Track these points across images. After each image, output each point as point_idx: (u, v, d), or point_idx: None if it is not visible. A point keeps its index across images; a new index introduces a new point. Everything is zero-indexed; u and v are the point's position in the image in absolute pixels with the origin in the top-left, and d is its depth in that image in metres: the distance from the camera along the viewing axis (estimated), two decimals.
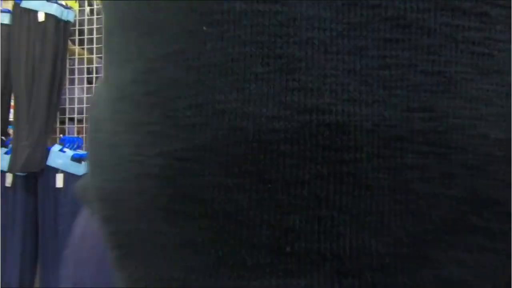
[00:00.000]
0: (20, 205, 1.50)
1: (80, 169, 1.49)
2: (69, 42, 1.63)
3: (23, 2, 1.50)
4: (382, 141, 0.12)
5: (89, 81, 1.70)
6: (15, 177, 1.49)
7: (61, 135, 1.64)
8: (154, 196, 0.15)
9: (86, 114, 1.65)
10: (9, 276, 1.48)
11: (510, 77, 0.14)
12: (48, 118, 1.52)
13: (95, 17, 1.67)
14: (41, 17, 1.50)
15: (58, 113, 1.60)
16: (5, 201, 1.49)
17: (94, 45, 1.65)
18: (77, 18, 1.67)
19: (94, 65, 1.68)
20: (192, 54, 0.14)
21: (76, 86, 1.66)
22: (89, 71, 1.69)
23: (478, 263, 0.14)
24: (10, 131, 1.58)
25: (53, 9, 1.53)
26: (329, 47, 0.13)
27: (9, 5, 1.58)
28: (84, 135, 1.65)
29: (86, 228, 0.23)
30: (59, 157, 1.51)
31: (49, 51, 1.51)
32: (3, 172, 1.49)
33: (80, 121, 1.67)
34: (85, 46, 1.68)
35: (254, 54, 0.13)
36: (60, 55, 1.55)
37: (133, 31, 0.16)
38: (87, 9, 1.70)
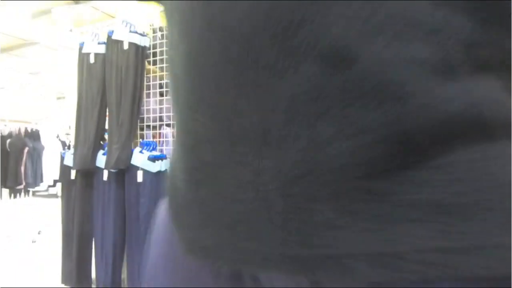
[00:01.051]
0: (113, 194, 1.90)
1: (154, 167, 1.85)
2: (146, 63, 2.00)
3: (113, 34, 1.89)
4: None
5: (161, 94, 2.05)
6: (109, 173, 1.89)
7: (140, 140, 2.01)
8: None
9: (159, 121, 2.01)
10: (107, 249, 1.89)
11: None
12: (131, 126, 1.89)
13: (165, 40, 2.03)
14: (125, 45, 1.88)
15: (138, 121, 1.97)
16: (102, 191, 1.90)
17: (165, 64, 2.01)
18: (151, 42, 2.03)
19: (165, 81, 2.03)
20: None
21: (151, 98, 2.03)
22: (161, 86, 2.04)
23: None
24: (106, 136, 1.98)
25: (134, 38, 1.91)
26: None
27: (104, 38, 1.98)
28: (158, 139, 2.02)
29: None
30: (139, 157, 1.87)
31: (131, 71, 1.89)
32: (101, 169, 1.90)
33: (154, 127, 2.03)
34: (158, 65, 2.04)
35: None
36: (139, 74, 1.92)
37: None
38: (159, 34, 2.06)
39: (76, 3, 5.71)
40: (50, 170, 3.80)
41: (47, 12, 5.12)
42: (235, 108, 0.21)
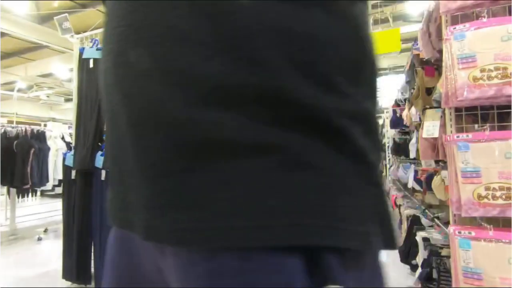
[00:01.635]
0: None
1: None
2: None
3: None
4: None
5: None
6: (107, 173, 2.00)
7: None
8: None
9: None
10: (104, 245, 1.99)
11: None
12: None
13: None
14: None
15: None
16: (100, 190, 2.03)
17: None
18: None
19: None
20: None
21: None
22: None
23: None
24: (104, 138, 2.10)
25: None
26: None
27: None
28: None
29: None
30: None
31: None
32: (100, 169, 2.04)
33: None
34: None
35: None
36: None
37: None
38: None
39: (82, 3, 5.87)
40: (55, 170, 3.92)
41: (53, 16, 5.27)
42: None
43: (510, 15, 1.40)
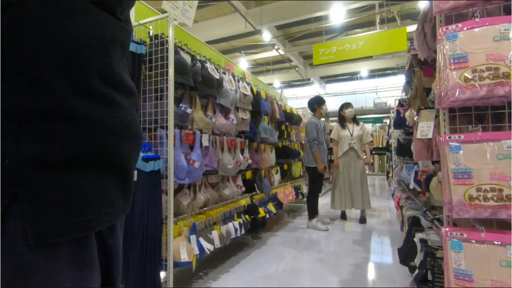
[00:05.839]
0: None
1: (147, 167, 1.96)
2: (143, 69, 2.13)
3: None
4: None
5: (156, 98, 2.17)
6: None
7: None
8: None
9: (154, 124, 2.14)
10: None
11: None
12: None
13: (160, 48, 2.15)
14: None
15: None
16: None
17: (159, 70, 2.13)
18: (148, 50, 2.16)
19: (160, 86, 2.15)
20: None
21: (147, 102, 2.15)
22: (157, 91, 2.16)
23: None
24: None
25: (131, 46, 2.03)
26: None
27: None
28: (153, 141, 2.14)
29: None
30: None
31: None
32: None
33: (150, 129, 2.15)
34: (153, 71, 2.16)
35: None
36: (135, 80, 2.05)
37: None
38: (155, 42, 2.18)
39: None
40: None
41: None
42: None
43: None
